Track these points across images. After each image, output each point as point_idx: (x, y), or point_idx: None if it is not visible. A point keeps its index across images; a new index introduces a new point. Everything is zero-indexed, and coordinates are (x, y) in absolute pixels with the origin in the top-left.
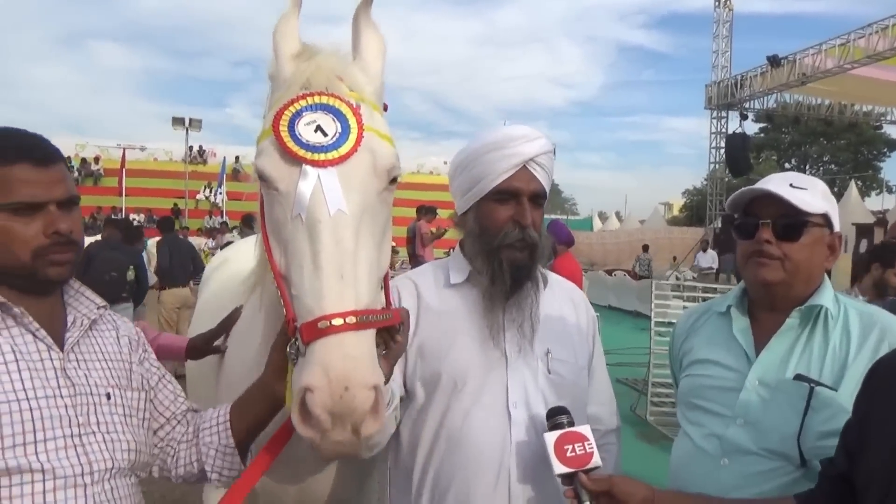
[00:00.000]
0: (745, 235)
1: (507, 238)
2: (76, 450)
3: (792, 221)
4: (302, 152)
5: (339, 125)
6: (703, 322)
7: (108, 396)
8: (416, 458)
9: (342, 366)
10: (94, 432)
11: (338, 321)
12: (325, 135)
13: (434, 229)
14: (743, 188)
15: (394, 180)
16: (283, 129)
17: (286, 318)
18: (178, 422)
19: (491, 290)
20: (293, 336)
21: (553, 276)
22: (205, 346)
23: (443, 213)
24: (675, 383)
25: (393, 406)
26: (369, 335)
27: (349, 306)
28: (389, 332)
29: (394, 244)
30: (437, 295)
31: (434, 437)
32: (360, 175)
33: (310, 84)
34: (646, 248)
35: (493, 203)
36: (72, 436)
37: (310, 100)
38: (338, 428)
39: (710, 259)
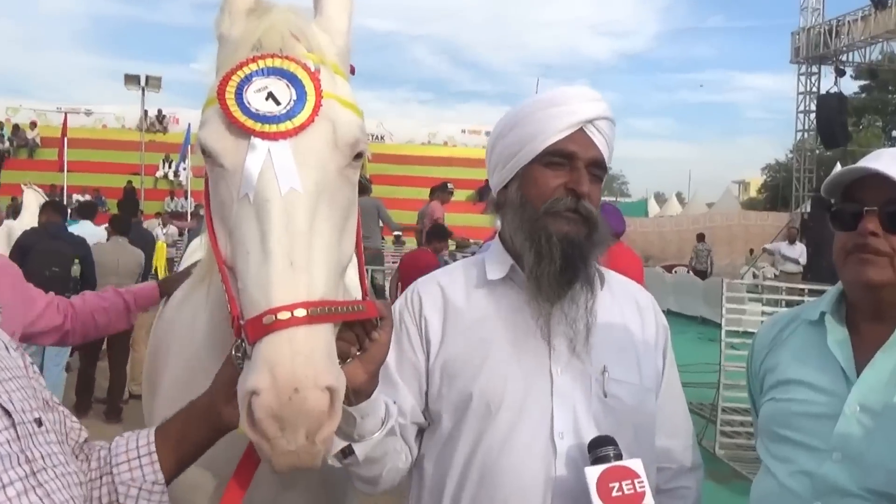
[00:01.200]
0: (844, 226)
1: (557, 205)
2: (36, 492)
3: None
4: (250, 123)
5: (293, 92)
6: (791, 333)
7: (39, 423)
8: (444, 498)
9: (290, 364)
10: (44, 468)
11: (284, 314)
12: (278, 103)
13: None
14: (843, 167)
15: (359, 156)
16: (230, 96)
17: (231, 314)
18: (77, 455)
19: (537, 270)
20: (239, 336)
21: (612, 275)
22: (176, 283)
23: (459, 195)
24: (753, 409)
25: (387, 427)
26: (325, 330)
27: (300, 297)
28: (364, 328)
29: (400, 233)
30: (469, 298)
31: (463, 471)
32: (317, 149)
33: (261, 45)
34: (701, 237)
35: (543, 168)
36: (27, 476)
37: (261, 63)
38: (288, 434)
39: (797, 253)
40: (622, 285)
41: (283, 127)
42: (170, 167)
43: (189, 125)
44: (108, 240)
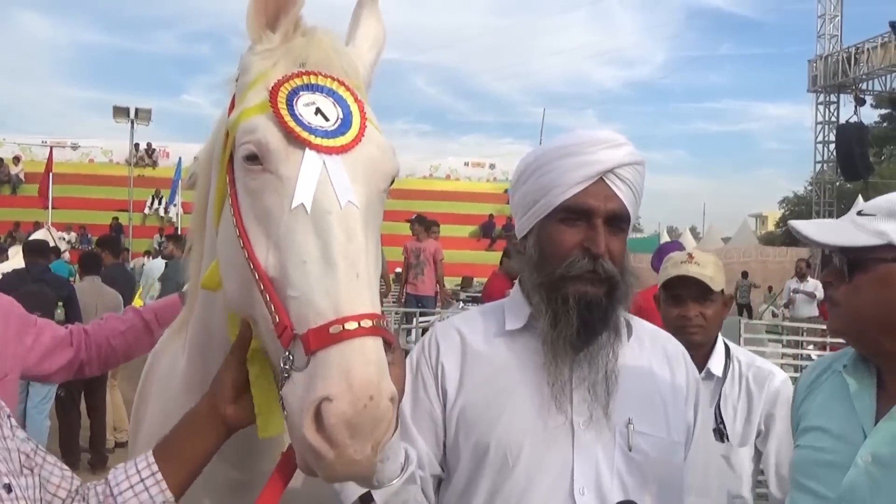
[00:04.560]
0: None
1: (573, 268)
2: None
3: (852, 258)
4: (305, 134)
5: (340, 111)
6: (825, 380)
7: (9, 489)
8: None
9: (365, 373)
10: None
11: (352, 324)
12: (327, 119)
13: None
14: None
15: (392, 180)
16: (282, 106)
17: (279, 325)
18: (73, 499)
19: (552, 334)
20: (287, 346)
21: (641, 323)
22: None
23: (462, 231)
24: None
25: (407, 473)
26: (382, 342)
27: (367, 308)
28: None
29: (401, 270)
30: (488, 346)
31: None
32: (364, 168)
33: (307, 62)
34: (745, 274)
35: (558, 224)
36: None
37: (305, 79)
38: (358, 442)
39: (811, 287)
40: (651, 335)
41: (336, 142)
42: (159, 203)
43: (180, 159)
44: (80, 280)
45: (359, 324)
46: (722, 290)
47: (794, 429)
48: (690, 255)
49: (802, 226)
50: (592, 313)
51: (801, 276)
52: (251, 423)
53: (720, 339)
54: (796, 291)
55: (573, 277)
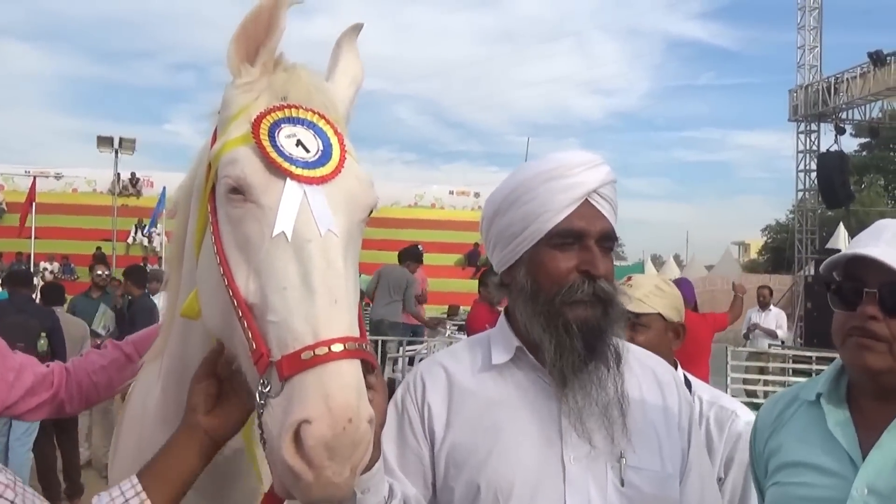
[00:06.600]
0: (844, 305)
1: (574, 294)
2: None
3: None
4: (286, 165)
5: (320, 143)
6: (793, 414)
7: None
8: None
9: (343, 396)
10: None
11: (334, 347)
12: (308, 151)
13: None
14: (839, 253)
15: (370, 212)
16: (265, 138)
17: (256, 352)
18: None
19: (560, 363)
20: (263, 373)
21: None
22: None
23: (448, 259)
24: (758, 491)
25: None
26: (359, 365)
27: (344, 332)
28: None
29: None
30: (474, 382)
31: None
32: (344, 198)
33: (288, 96)
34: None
35: (550, 250)
36: None
37: (287, 112)
38: (337, 464)
39: (772, 322)
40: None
41: (316, 173)
42: (143, 233)
43: (164, 188)
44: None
45: (328, 348)
46: (661, 315)
47: (763, 467)
48: (628, 278)
49: (877, 252)
50: (594, 336)
51: (764, 305)
52: (233, 433)
53: (679, 372)
54: (756, 327)
55: (572, 303)
